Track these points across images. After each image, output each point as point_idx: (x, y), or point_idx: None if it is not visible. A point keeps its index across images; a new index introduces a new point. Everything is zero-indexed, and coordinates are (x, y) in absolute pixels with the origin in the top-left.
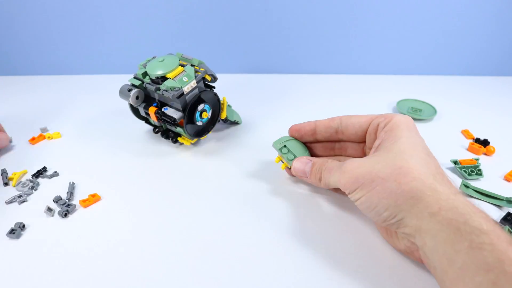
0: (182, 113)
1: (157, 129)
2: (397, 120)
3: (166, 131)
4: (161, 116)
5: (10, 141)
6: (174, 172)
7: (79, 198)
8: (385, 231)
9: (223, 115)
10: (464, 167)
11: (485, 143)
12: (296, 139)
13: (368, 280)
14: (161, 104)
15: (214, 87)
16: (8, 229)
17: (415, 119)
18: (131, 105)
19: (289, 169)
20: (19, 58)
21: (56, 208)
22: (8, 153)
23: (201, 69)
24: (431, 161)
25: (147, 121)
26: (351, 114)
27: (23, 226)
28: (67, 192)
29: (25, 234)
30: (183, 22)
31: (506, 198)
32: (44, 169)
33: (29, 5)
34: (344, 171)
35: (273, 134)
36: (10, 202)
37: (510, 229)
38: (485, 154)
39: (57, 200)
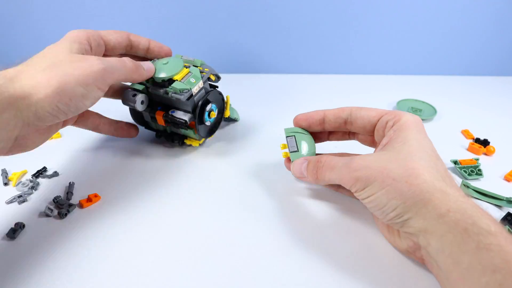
0: (191, 114)
1: (159, 134)
2: (407, 120)
3: (171, 134)
4: (170, 119)
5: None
6: (174, 171)
7: (79, 198)
8: (387, 229)
9: (227, 113)
10: (464, 167)
11: (485, 143)
12: (309, 133)
13: (369, 280)
14: (166, 107)
15: (218, 86)
16: (8, 229)
17: None
18: (132, 110)
19: (288, 160)
20: (19, 58)
21: (56, 208)
22: None
23: (205, 69)
24: (440, 164)
25: (147, 126)
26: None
27: (23, 226)
28: (67, 192)
29: (25, 234)
30: (183, 22)
31: (506, 198)
32: (44, 169)
33: (29, 5)
34: (355, 169)
35: (273, 134)
36: (10, 202)
37: (510, 229)
38: (485, 154)
39: (57, 200)
